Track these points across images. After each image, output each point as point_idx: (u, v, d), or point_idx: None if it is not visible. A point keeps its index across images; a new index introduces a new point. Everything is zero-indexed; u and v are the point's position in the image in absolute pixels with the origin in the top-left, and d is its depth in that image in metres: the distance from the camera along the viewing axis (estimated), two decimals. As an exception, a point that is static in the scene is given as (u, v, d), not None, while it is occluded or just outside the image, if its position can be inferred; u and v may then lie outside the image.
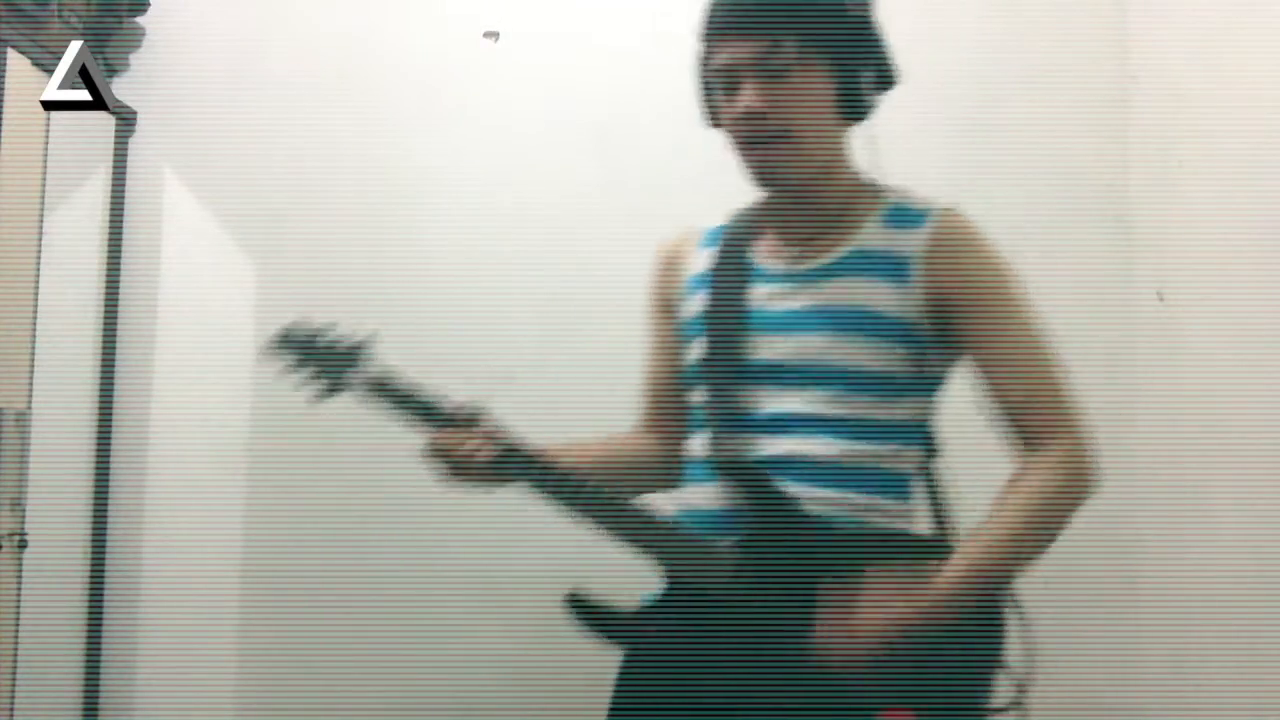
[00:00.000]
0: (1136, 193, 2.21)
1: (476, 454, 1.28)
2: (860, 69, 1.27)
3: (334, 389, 1.37)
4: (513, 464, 1.30)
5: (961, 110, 2.23)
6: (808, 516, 1.24)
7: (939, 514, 1.36)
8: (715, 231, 1.41)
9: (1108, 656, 2.12)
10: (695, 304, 1.37)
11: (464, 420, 1.32)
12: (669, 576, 1.30)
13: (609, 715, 1.32)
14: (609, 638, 1.30)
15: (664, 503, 1.38)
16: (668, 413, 1.44)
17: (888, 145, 2.20)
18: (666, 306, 1.43)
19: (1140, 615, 2.12)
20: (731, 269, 1.35)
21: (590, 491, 1.27)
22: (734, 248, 1.37)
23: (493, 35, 2.26)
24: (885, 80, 1.29)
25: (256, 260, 2.22)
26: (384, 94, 2.24)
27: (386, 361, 1.36)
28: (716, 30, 1.26)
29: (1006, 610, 1.27)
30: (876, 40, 1.28)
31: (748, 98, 1.23)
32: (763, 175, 1.29)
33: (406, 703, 2.11)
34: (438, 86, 2.25)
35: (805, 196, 1.31)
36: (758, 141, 1.26)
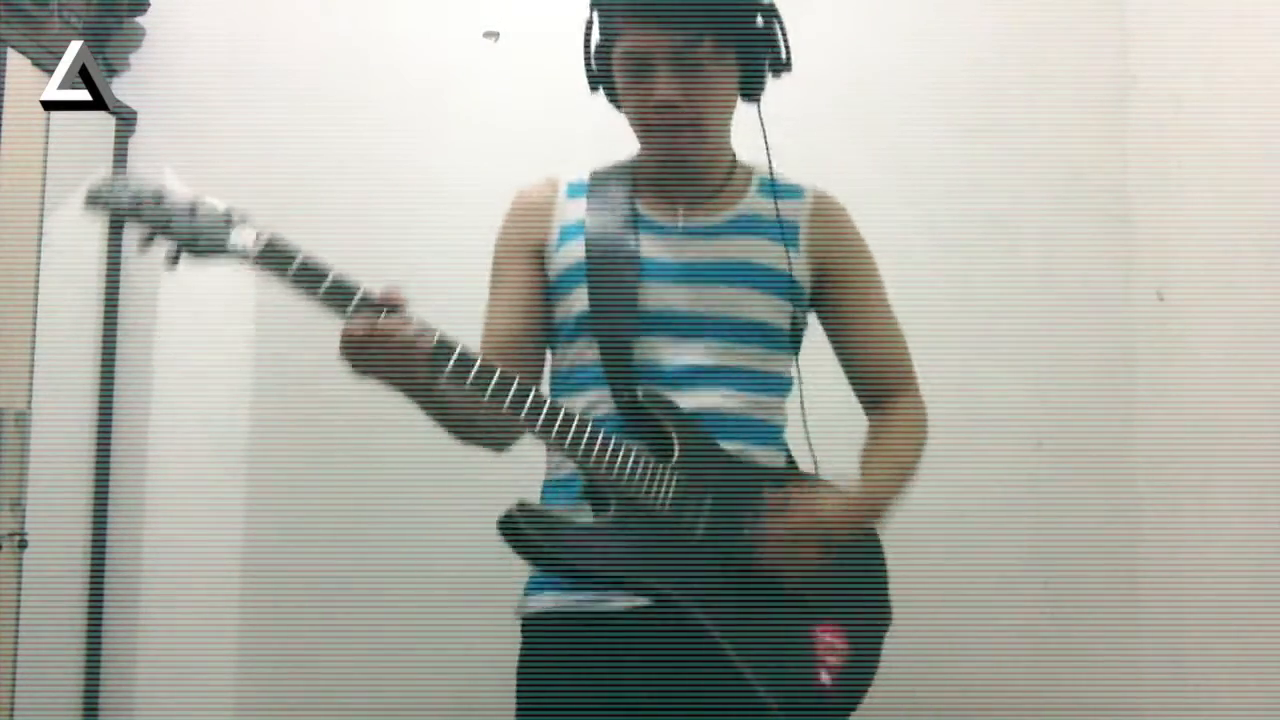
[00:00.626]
0: (1136, 193, 2.21)
1: (417, 342, 1.12)
2: (763, 56, 1.32)
3: (201, 251, 1.11)
4: (450, 357, 1.13)
5: (961, 110, 2.22)
6: (731, 455, 1.29)
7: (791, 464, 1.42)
8: (579, 185, 1.41)
9: (1108, 656, 2.12)
10: (571, 252, 1.35)
11: (394, 305, 1.14)
12: (611, 493, 1.21)
13: (526, 640, 1.32)
14: (554, 557, 1.19)
15: (548, 461, 1.38)
16: (513, 365, 1.28)
17: (888, 144, 2.22)
18: (531, 253, 1.39)
19: (1140, 615, 2.12)
20: (615, 219, 1.35)
21: (526, 393, 1.16)
22: (613, 200, 1.37)
23: (493, 35, 2.26)
24: (781, 65, 1.34)
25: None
26: (384, 94, 2.24)
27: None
28: (631, 15, 1.26)
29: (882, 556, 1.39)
30: (779, 29, 1.32)
31: (663, 89, 1.26)
32: (668, 159, 1.34)
33: (406, 703, 2.11)
34: (438, 86, 2.25)
35: (693, 165, 1.36)
36: (667, 128, 1.29)
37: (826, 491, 1.32)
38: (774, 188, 1.38)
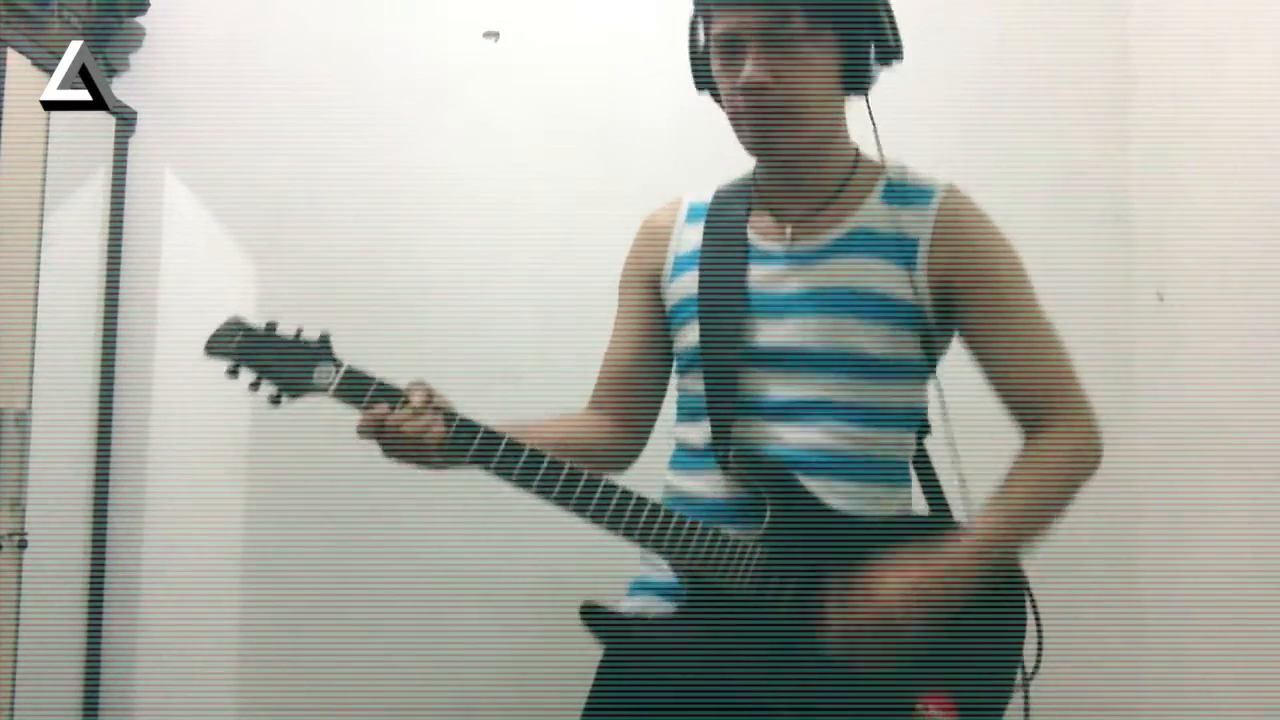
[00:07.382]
0: (1136, 193, 2.21)
1: (426, 432, 1.18)
2: (866, 41, 1.23)
3: (297, 392, 1.22)
4: (468, 444, 1.19)
5: (962, 109, 2.22)
6: (831, 511, 1.22)
7: (932, 495, 1.34)
8: (699, 208, 1.37)
9: (1108, 656, 2.12)
10: (685, 285, 1.33)
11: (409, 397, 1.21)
12: (685, 576, 1.22)
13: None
14: (632, 649, 1.24)
15: (666, 481, 1.36)
16: (627, 391, 1.40)
17: (887, 144, 2.21)
18: (649, 280, 1.39)
19: (1140, 614, 2.12)
20: (725, 249, 1.31)
21: (567, 477, 1.18)
22: (726, 226, 1.32)
23: (493, 35, 2.26)
24: (890, 52, 1.24)
25: (256, 260, 2.22)
26: (384, 94, 2.24)
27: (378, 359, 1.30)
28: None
29: (1026, 603, 1.29)
30: (884, 12, 1.23)
31: (751, 69, 1.19)
32: (760, 146, 1.27)
33: (406, 703, 2.11)
34: (438, 86, 2.25)
35: (801, 169, 1.29)
36: (758, 113, 1.22)
37: (914, 555, 1.17)
38: (896, 194, 1.28)
